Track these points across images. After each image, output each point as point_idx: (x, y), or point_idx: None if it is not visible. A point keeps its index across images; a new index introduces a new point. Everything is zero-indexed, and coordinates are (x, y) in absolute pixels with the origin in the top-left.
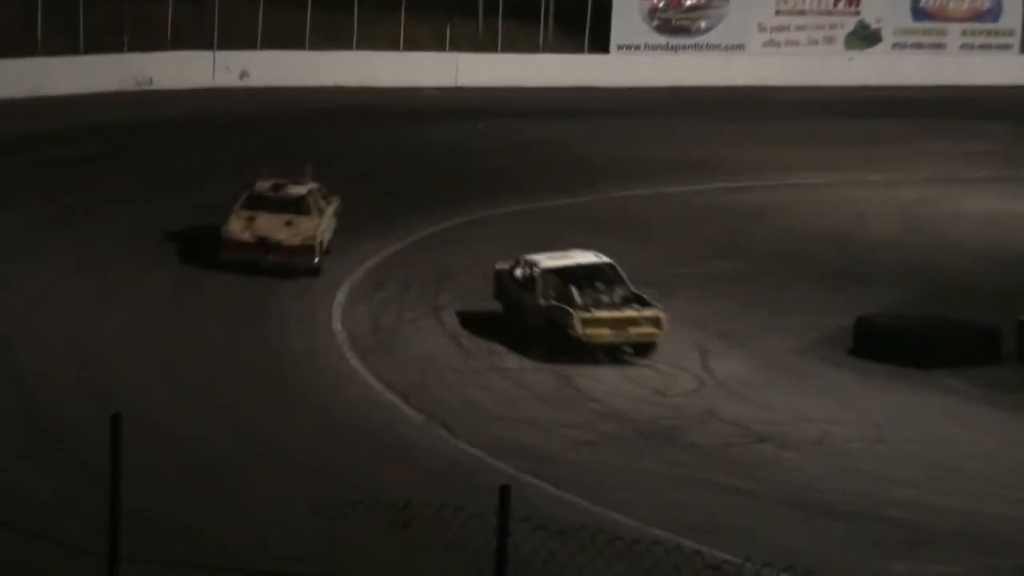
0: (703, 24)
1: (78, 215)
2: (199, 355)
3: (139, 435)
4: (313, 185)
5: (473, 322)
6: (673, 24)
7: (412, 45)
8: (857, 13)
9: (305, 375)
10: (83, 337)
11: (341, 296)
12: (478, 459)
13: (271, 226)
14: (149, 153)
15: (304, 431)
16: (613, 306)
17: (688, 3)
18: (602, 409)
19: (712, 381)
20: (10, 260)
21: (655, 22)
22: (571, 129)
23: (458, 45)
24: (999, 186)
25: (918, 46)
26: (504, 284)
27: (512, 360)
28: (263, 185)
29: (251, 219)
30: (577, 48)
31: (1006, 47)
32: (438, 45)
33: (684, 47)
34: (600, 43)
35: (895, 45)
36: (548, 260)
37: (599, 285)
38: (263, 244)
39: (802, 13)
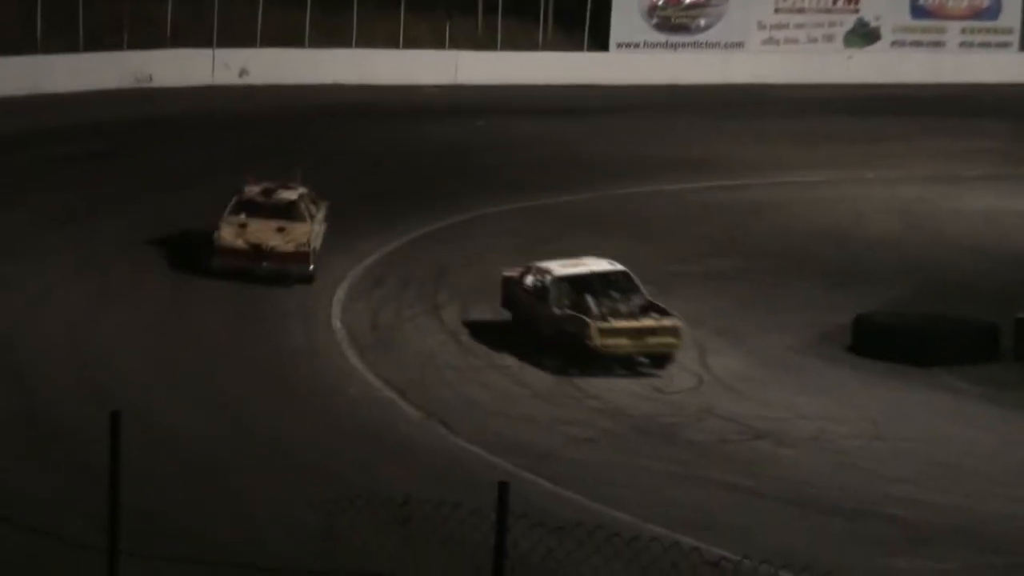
0: (702, 22)
1: (78, 213)
2: (199, 353)
3: (139, 433)
4: (303, 189)
5: (482, 332)
6: (672, 22)
7: (411, 43)
8: (856, 11)
9: (304, 372)
10: (83, 336)
11: (340, 293)
12: (477, 456)
13: (263, 232)
14: (149, 151)
15: (303, 428)
16: (631, 315)
17: (687, 1)
18: (601, 406)
19: (710, 378)
20: (10, 259)
21: (654, 20)
22: (570, 127)
23: (457, 43)
24: (998, 184)
25: (917, 44)
26: (513, 292)
27: (511, 358)
28: (252, 190)
29: (242, 225)
30: (576, 46)
31: (1005, 45)
32: (437, 43)
33: (683, 45)
34: (599, 41)
35: (894, 43)
36: (560, 268)
37: (614, 293)
38: (257, 251)
39: (801, 11)
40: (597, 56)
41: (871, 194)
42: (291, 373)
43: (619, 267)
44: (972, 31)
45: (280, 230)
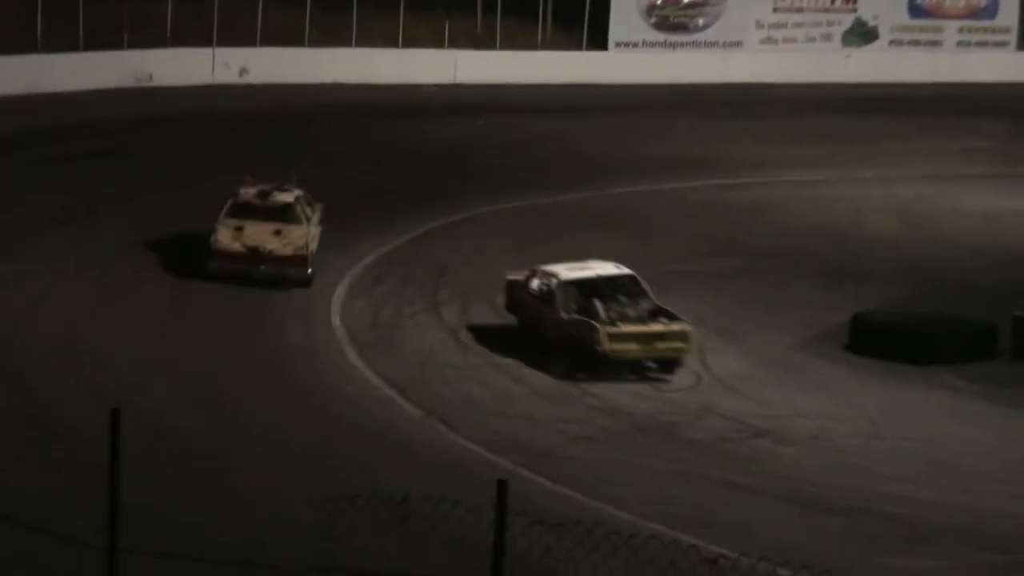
0: (701, 21)
1: (78, 213)
2: (199, 352)
3: (139, 431)
4: (299, 192)
5: (482, 331)
6: (671, 21)
7: (411, 42)
8: (854, 10)
9: (304, 371)
10: (83, 335)
11: (340, 292)
12: (476, 454)
13: (260, 235)
14: (149, 150)
15: (303, 426)
16: (639, 320)
17: (686, 0)
18: (600, 405)
19: (709, 377)
20: (10, 259)
21: (653, 19)
22: (569, 126)
23: (457, 42)
24: (996, 183)
25: (915, 43)
26: (518, 296)
27: (510, 357)
28: (247, 192)
29: (239, 228)
30: (575, 45)
31: (1003, 44)
32: (437, 42)
33: (682, 44)
34: (598, 40)
35: (892, 42)
36: (567, 271)
37: (622, 298)
38: (254, 255)
39: (799, 10)
40: (596, 55)
41: (869, 193)
42: (291, 371)
43: (626, 270)
44: (970, 30)
45: (277, 233)
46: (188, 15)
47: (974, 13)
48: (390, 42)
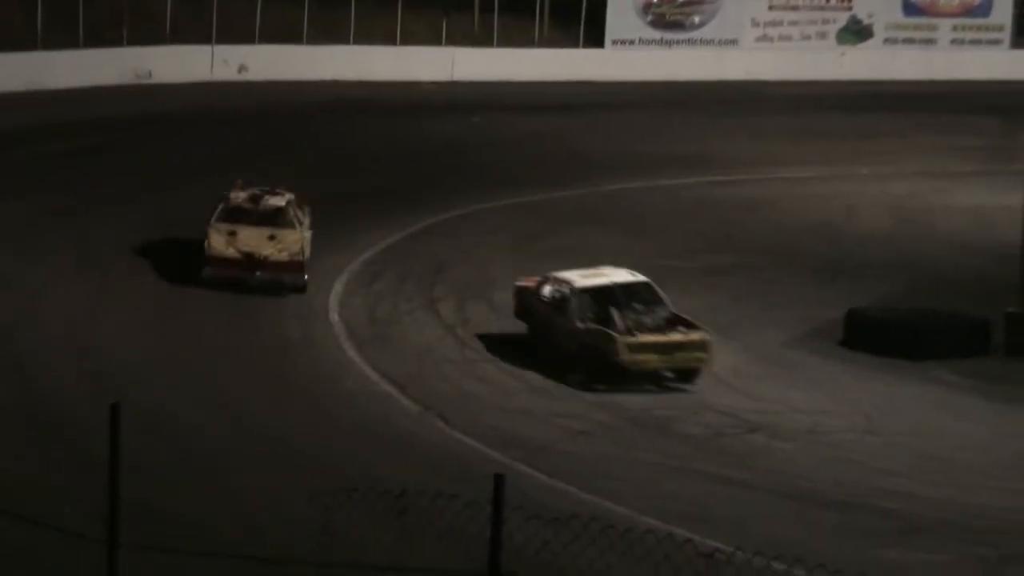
0: (697, 19)
1: (78, 209)
2: (197, 348)
3: (138, 426)
4: (290, 195)
5: (479, 327)
6: (667, 19)
7: (409, 40)
8: (849, 8)
9: (302, 366)
10: (82, 332)
11: (338, 287)
12: (473, 449)
13: (254, 240)
14: (148, 146)
15: (301, 421)
16: (657, 329)
17: None
18: (596, 400)
19: (705, 373)
20: (10, 256)
21: (649, 17)
22: (566, 123)
23: (454, 39)
24: (989, 180)
25: (909, 41)
26: (529, 303)
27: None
28: (239, 196)
29: (232, 233)
30: (572, 43)
31: (996, 42)
32: (434, 40)
33: (678, 42)
34: (595, 38)
35: (886, 40)
36: (581, 279)
37: (638, 305)
38: (249, 260)
39: (795, 8)
40: (593, 53)
41: (864, 190)
42: (289, 367)
43: (641, 277)
44: (963, 28)
45: (271, 238)
46: (187, 12)
47: (968, 11)
48: (388, 39)
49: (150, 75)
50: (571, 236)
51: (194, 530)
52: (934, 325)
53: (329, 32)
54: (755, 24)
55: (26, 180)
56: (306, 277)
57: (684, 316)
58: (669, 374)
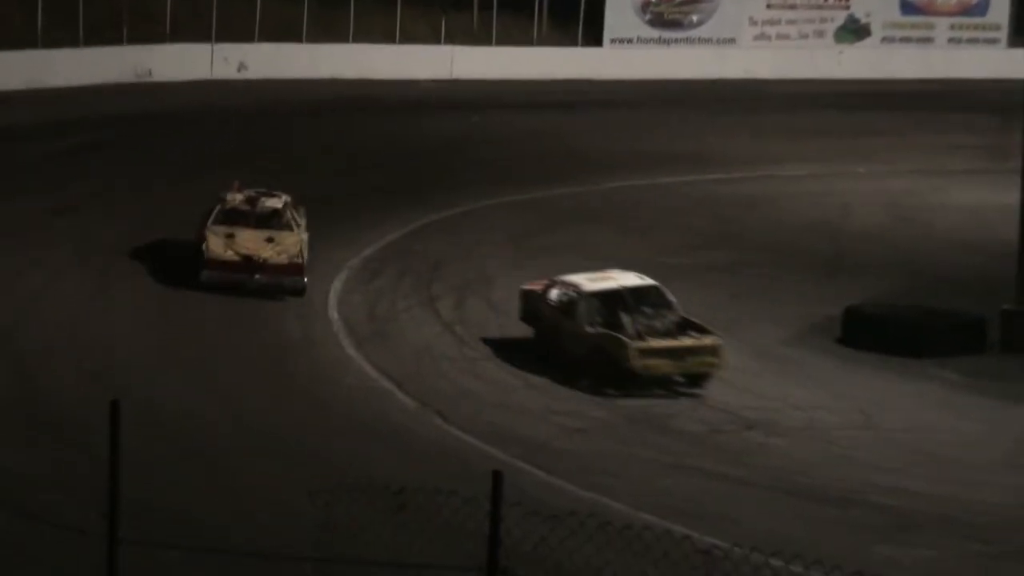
0: (695, 18)
1: (78, 206)
2: (197, 344)
3: (138, 422)
4: (286, 197)
5: (478, 325)
6: (666, 18)
7: (408, 38)
8: (847, 7)
9: (301, 363)
10: (83, 328)
11: (337, 285)
12: (472, 445)
13: (253, 243)
14: (148, 144)
15: (300, 418)
16: (668, 334)
17: None
18: (593, 397)
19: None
20: (11, 252)
21: (648, 16)
22: (565, 121)
23: (453, 38)
24: (986, 178)
25: (907, 40)
26: (535, 307)
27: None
28: (235, 198)
29: (230, 236)
30: (571, 41)
31: (993, 41)
32: (434, 38)
33: (676, 41)
34: (594, 36)
35: (884, 39)
36: (589, 282)
37: (647, 310)
38: (248, 263)
39: (793, 7)
40: (591, 51)
41: (861, 188)
42: (289, 364)
43: (650, 281)
44: (961, 27)
45: (269, 240)
46: (187, 11)
47: (965, 10)
48: (387, 38)
49: (150, 73)
50: (570, 234)
51: (194, 526)
52: (931, 322)
53: (329, 30)
54: (753, 23)
55: (26, 179)
56: (305, 280)
57: (694, 320)
58: (680, 379)
